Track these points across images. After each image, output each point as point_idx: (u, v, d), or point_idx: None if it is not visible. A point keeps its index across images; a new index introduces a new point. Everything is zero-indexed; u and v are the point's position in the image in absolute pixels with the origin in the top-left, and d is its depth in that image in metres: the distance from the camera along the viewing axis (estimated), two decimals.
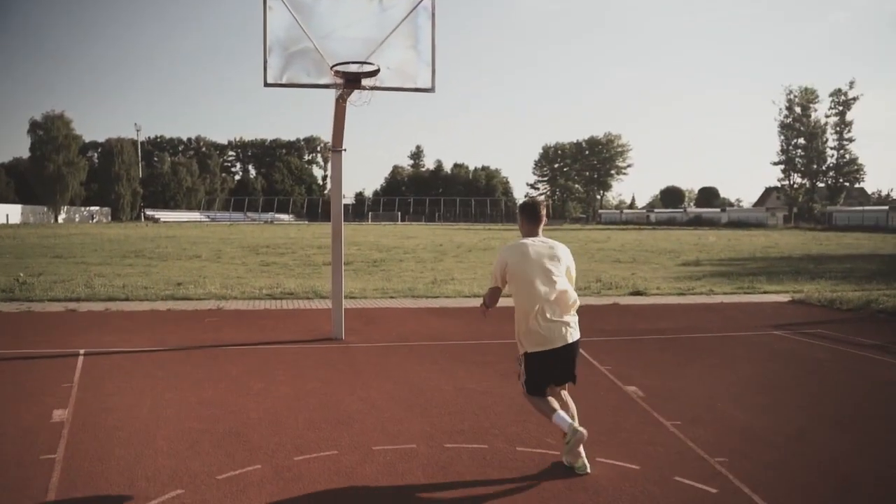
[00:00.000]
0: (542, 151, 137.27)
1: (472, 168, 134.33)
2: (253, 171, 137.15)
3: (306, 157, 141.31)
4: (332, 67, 6.73)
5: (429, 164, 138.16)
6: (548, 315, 4.64)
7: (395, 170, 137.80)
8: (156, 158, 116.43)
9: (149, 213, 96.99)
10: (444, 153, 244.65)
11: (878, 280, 17.50)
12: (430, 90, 7.21)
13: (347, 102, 6.99)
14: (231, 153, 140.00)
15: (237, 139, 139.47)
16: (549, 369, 4.70)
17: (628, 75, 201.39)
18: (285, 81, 6.78)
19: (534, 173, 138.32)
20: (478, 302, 11.51)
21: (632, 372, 7.30)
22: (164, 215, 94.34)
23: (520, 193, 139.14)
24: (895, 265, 23.46)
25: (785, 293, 14.99)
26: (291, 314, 10.99)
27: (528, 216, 4.91)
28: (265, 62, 6.65)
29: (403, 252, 28.43)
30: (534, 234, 4.88)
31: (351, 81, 6.73)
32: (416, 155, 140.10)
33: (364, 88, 6.85)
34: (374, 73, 6.61)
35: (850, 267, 22.85)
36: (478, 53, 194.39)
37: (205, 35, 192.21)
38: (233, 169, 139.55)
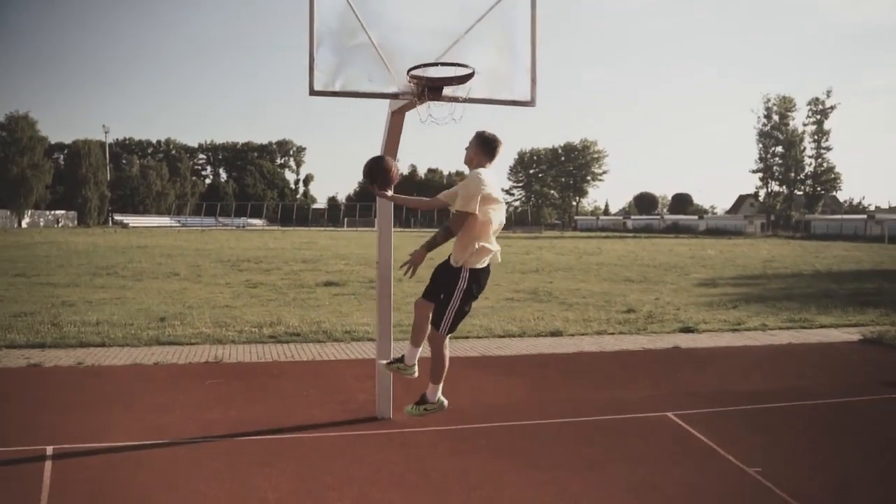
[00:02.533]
0: (517, 157, 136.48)
1: (446, 173, 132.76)
2: (224, 175, 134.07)
3: (279, 161, 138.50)
4: (409, 71, 4.89)
5: (403, 168, 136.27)
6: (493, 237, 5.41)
7: None
8: (124, 161, 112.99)
9: (117, 217, 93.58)
10: (418, 157, 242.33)
11: None
12: (530, 104, 5.38)
13: (425, 117, 5.08)
14: (202, 156, 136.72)
15: (208, 142, 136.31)
16: (477, 293, 5.50)
17: (603, 81, 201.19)
18: (339, 89, 4.88)
19: (509, 179, 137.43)
20: (527, 346, 9.76)
21: (788, 472, 5.53)
22: (133, 220, 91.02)
23: None
24: None
25: (843, 327, 13.58)
26: (308, 369, 9.05)
27: (490, 151, 5.35)
28: (311, 60, 4.75)
29: (396, 266, 26.50)
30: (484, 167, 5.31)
31: (432, 90, 4.91)
32: None
33: (445, 100, 5.03)
34: (466, 79, 4.77)
35: (874, 288, 21.63)
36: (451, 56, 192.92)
37: (175, 35, 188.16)
38: (203, 172, 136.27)
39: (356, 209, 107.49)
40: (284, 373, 8.72)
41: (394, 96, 5.00)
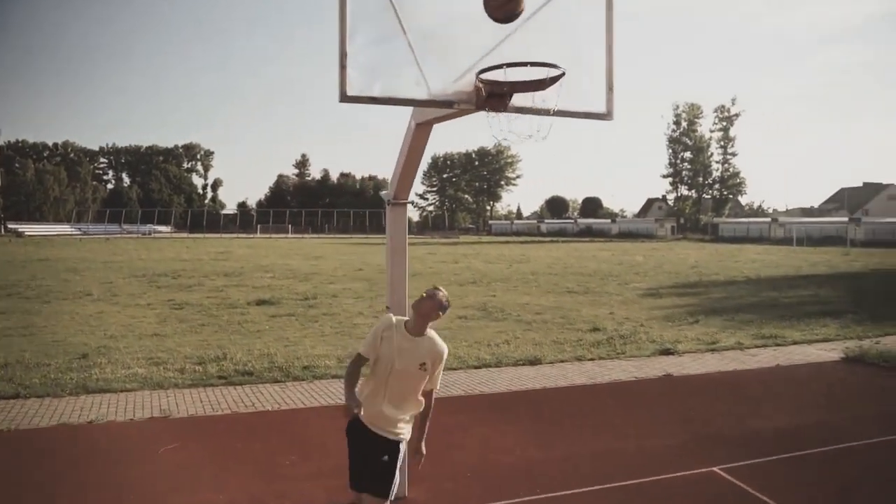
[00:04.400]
0: (431, 162, 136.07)
1: (359, 177, 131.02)
2: (128, 180, 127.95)
3: (185, 165, 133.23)
4: (478, 74, 3.73)
5: (315, 173, 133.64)
6: None
7: (280, 179, 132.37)
8: (17, 165, 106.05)
9: (10, 225, 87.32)
10: (330, 162, 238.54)
11: (863, 315, 16.65)
12: (606, 117, 4.29)
13: (501, 131, 3.88)
14: (103, 160, 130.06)
15: (110, 145, 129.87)
16: None
17: None
18: (378, 94, 3.66)
19: (423, 183, 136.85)
20: (511, 379, 8.69)
21: None
22: (30, 228, 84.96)
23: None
24: (846, 290, 22.52)
25: (815, 342, 13.24)
26: (277, 423, 7.69)
27: None
28: (342, 57, 3.51)
29: (326, 280, 25.09)
30: None
31: (498, 98, 3.78)
32: (302, 164, 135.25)
33: (510, 110, 3.90)
34: (551, 83, 3.63)
35: (811, 295, 21.77)
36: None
37: (73, 33, 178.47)
38: (105, 177, 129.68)
39: (269, 215, 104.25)
40: (251, 430, 7.34)
41: (447, 105, 3.83)
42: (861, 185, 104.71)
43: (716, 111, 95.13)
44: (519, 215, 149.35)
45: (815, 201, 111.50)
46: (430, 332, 4.19)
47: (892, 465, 6.57)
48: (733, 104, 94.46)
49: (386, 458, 4.14)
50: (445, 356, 4.23)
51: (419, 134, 4.69)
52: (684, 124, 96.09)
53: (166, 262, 33.90)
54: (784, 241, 73.41)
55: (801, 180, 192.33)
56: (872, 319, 16.10)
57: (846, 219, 78.72)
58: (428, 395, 4.30)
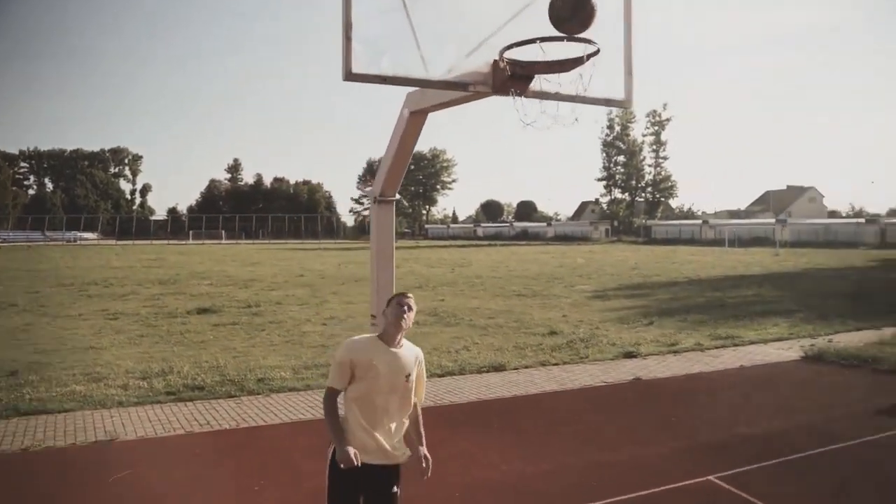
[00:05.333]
0: (366, 166, 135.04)
1: (293, 182, 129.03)
2: (51, 185, 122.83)
3: (112, 170, 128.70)
4: (502, 51, 3.28)
5: (248, 177, 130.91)
6: None
7: (212, 184, 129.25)
8: None
9: None
10: (263, 166, 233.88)
11: (810, 314, 16.90)
12: (626, 104, 3.91)
13: (531, 115, 3.43)
14: (23, 165, 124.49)
15: (31, 149, 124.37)
16: None
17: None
18: (388, 73, 3.18)
19: (358, 188, 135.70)
20: (478, 387, 8.29)
21: None
22: None
23: (344, 208, 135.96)
24: (785, 289, 22.94)
25: (771, 342, 13.28)
26: (238, 443, 7.07)
27: None
28: (347, 28, 3.03)
29: (267, 287, 24.28)
30: None
31: (521, 80, 3.35)
32: (234, 168, 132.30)
33: (528, 95, 3.48)
34: (581, 61, 3.21)
35: (754, 295, 22.10)
36: (295, 59, 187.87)
37: None
38: (26, 182, 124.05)
39: (201, 221, 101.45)
40: (211, 453, 6.71)
41: (461, 87, 3.38)
42: (785, 187, 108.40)
43: (648, 116, 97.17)
44: (455, 219, 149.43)
45: (742, 204, 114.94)
46: (405, 340, 3.87)
47: (884, 463, 6.41)
48: (664, 109, 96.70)
49: (395, 489, 3.67)
50: (422, 361, 3.95)
51: (413, 123, 4.24)
52: (618, 128, 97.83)
53: (96, 270, 32.39)
54: (715, 242, 75.21)
55: (728, 183, 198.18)
56: (820, 318, 16.30)
57: (773, 220, 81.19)
58: (414, 405, 3.95)
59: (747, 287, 24.84)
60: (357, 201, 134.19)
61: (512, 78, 3.35)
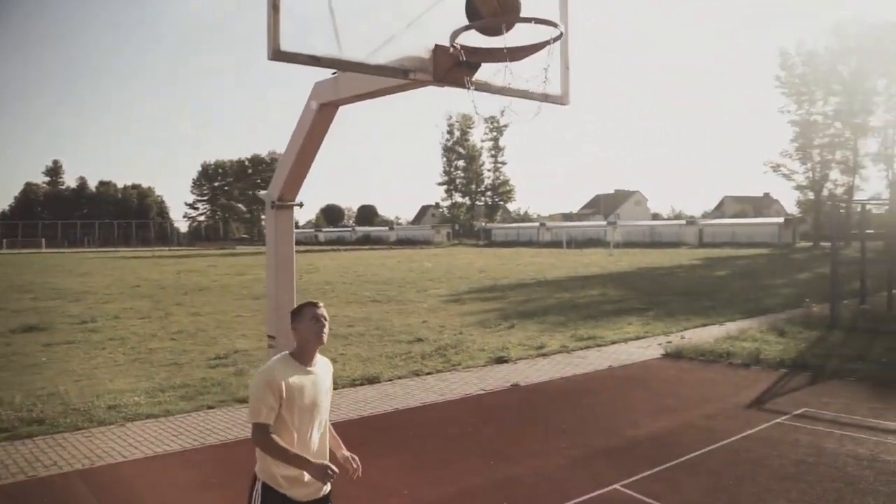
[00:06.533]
0: (200, 169, 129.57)
1: (120, 186, 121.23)
2: None
3: None
4: (454, 35, 2.84)
5: (70, 181, 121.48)
6: None
7: (28, 187, 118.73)
8: None
9: None
10: (87, 169, 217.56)
11: (658, 311, 17.66)
12: (564, 101, 3.61)
13: (489, 113, 3.06)
14: None
15: None
16: None
17: (283, 92, 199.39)
18: (320, 54, 2.68)
19: (192, 192, 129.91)
20: (357, 403, 7.84)
21: None
22: None
23: (177, 213, 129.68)
24: (627, 288, 24.06)
25: (630, 341, 13.73)
26: (101, 485, 6.16)
27: None
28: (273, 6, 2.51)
29: (101, 299, 22.31)
30: None
31: (465, 69, 2.95)
32: (54, 171, 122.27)
33: (472, 86, 3.09)
34: (540, 47, 2.83)
35: (601, 294, 22.97)
36: (122, 55, 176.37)
37: None
38: None
39: (17, 228, 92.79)
40: (62, 501, 5.80)
41: (402, 74, 2.93)
42: (613, 191, 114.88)
43: (486, 121, 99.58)
44: (295, 224, 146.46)
45: (574, 207, 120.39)
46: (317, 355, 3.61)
47: (769, 457, 6.57)
48: (502, 115, 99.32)
49: None
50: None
51: (321, 118, 3.74)
52: (457, 133, 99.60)
53: None
54: (552, 243, 78.29)
55: (561, 187, 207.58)
56: (668, 315, 17.10)
57: (605, 222, 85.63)
58: None
59: (592, 287, 25.77)
60: (192, 206, 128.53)
61: (459, 66, 2.96)
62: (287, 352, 3.53)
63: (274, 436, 3.32)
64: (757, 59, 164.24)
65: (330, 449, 3.69)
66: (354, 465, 3.66)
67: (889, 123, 57.13)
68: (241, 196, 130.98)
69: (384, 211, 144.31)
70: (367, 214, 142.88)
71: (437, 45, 3.03)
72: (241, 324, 16.54)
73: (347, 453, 3.71)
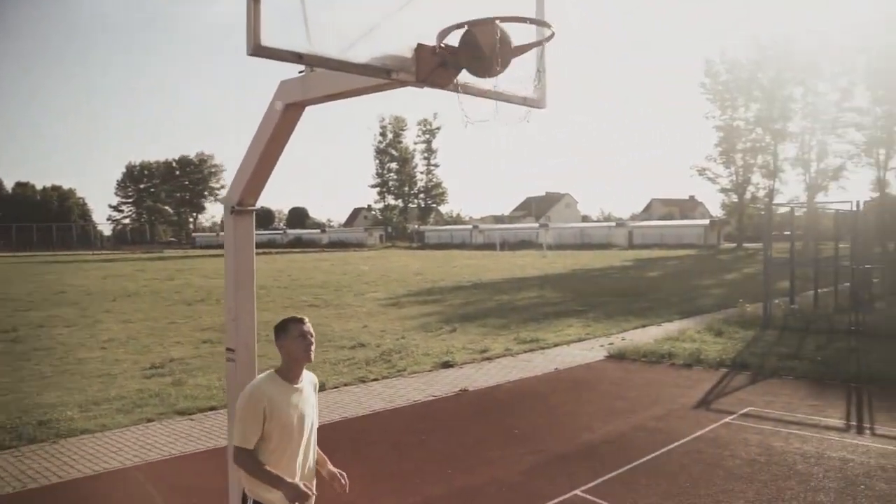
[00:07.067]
0: (125, 171, 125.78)
1: (39, 188, 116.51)
2: None
3: None
4: (442, 34, 2.69)
5: None
6: None
7: None
8: None
9: None
10: (2, 170, 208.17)
11: (597, 313, 17.92)
12: (541, 104, 3.51)
13: (477, 116, 2.88)
14: None
15: None
16: None
17: (212, 92, 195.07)
18: (303, 50, 2.51)
19: (117, 194, 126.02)
20: (327, 408, 7.63)
21: None
22: None
23: (101, 216, 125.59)
24: (563, 290, 24.33)
25: (572, 343, 13.82)
26: None
27: None
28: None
29: (23, 307, 21.26)
30: None
31: (448, 70, 2.83)
32: None
33: (450, 88, 2.96)
34: (536, 44, 2.72)
35: (538, 296, 23.14)
36: (41, 51, 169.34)
37: None
38: None
39: None
40: None
41: (384, 73, 2.79)
42: (544, 194, 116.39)
43: (419, 124, 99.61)
44: (223, 227, 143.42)
45: (506, 209, 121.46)
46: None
47: (722, 457, 6.64)
48: (435, 118, 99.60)
49: None
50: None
51: (287, 119, 3.57)
52: (390, 136, 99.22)
53: None
54: (485, 246, 78.80)
55: (493, 190, 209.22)
56: (607, 317, 17.32)
57: (537, 225, 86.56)
58: None
59: (529, 289, 25.93)
60: (116, 208, 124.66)
61: (443, 67, 2.84)
62: (272, 369, 3.43)
63: (258, 458, 3.25)
64: (683, 66, 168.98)
65: (318, 464, 3.65)
66: (343, 482, 3.58)
67: (805, 129, 59.37)
68: (168, 198, 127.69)
69: (316, 213, 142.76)
70: (299, 217, 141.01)
71: (419, 45, 2.90)
72: (175, 331, 16.00)
73: (334, 469, 3.62)
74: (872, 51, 51.85)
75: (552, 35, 2.87)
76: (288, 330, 3.35)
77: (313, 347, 3.39)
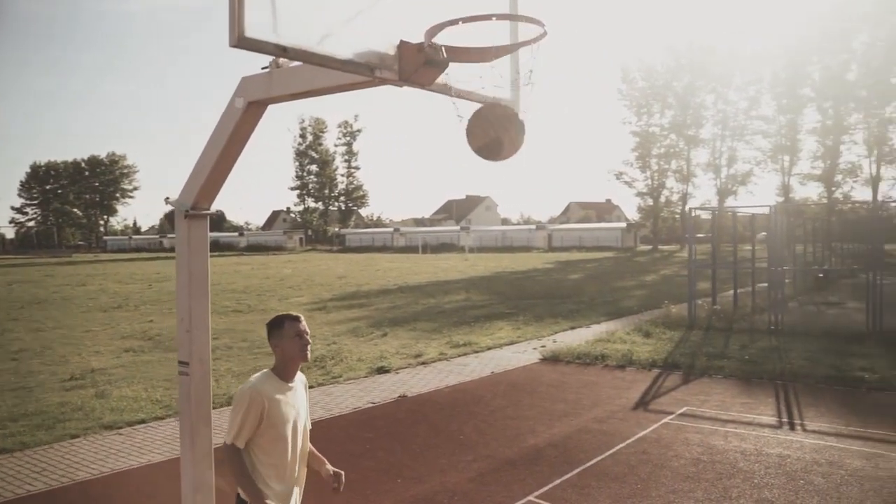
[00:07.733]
0: (30, 171, 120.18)
1: None
2: None
3: None
4: (431, 31, 2.56)
5: None
6: None
7: None
8: None
9: None
10: None
11: (526, 315, 18.11)
12: (514, 107, 3.42)
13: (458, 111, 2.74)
14: None
15: None
16: None
17: (124, 88, 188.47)
18: (288, 43, 2.35)
19: (21, 196, 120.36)
20: None
21: None
22: None
23: (2, 219, 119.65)
24: (490, 293, 24.49)
25: (505, 346, 13.85)
26: None
27: None
28: None
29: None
30: None
31: (436, 66, 2.71)
32: None
33: (434, 89, 2.85)
34: (524, 43, 2.62)
35: (465, 299, 23.16)
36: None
37: None
38: None
39: None
40: None
41: (367, 70, 2.65)
42: (465, 197, 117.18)
43: (339, 126, 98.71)
44: (137, 230, 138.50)
45: (427, 212, 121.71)
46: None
47: (667, 457, 6.72)
48: (356, 120, 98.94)
49: None
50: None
51: (248, 117, 3.38)
52: (310, 138, 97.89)
53: None
54: (407, 249, 78.74)
55: (413, 193, 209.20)
56: (536, 319, 17.46)
57: (458, 227, 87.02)
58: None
59: (455, 292, 25.92)
60: (20, 211, 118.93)
61: (427, 65, 2.72)
62: (268, 368, 3.41)
63: (244, 461, 3.26)
64: (602, 72, 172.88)
65: (315, 467, 3.64)
66: (341, 481, 3.54)
67: (716, 136, 61.76)
68: (76, 200, 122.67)
69: (233, 216, 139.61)
70: (216, 219, 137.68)
71: (402, 42, 2.78)
72: (93, 339, 15.28)
73: (332, 469, 3.58)
74: (777, 62, 54.40)
75: (545, 34, 2.79)
76: (284, 329, 3.31)
77: (310, 347, 3.38)
